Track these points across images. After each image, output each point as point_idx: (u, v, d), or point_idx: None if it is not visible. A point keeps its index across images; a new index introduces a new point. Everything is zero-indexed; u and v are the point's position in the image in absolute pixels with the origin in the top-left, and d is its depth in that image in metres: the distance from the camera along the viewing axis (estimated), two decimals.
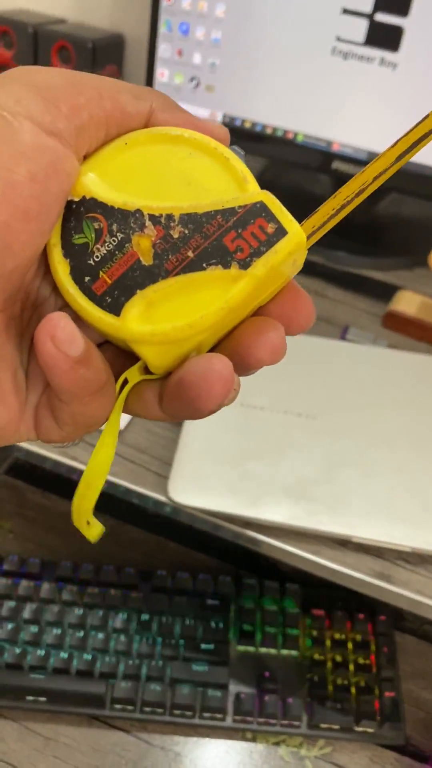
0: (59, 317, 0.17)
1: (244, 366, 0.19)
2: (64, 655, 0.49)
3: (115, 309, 0.18)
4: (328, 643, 0.52)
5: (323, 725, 0.48)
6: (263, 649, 0.52)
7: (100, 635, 0.50)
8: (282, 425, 0.49)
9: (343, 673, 0.50)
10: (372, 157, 0.60)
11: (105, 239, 0.19)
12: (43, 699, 0.48)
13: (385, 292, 0.65)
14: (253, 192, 0.18)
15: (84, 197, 0.19)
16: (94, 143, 0.18)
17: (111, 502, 0.45)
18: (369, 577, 0.43)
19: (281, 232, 0.18)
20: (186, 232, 0.18)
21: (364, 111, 0.61)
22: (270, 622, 0.53)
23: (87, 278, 0.19)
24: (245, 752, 0.48)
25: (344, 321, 0.62)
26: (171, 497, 0.44)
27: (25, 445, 0.48)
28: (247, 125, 0.64)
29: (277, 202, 0.18)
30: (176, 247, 0.18)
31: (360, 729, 0.48)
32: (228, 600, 0.54)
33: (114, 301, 0.18)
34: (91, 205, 0.19)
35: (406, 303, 0.61)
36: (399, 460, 0.47)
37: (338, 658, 0.51)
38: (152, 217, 0.19)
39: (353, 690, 0.50)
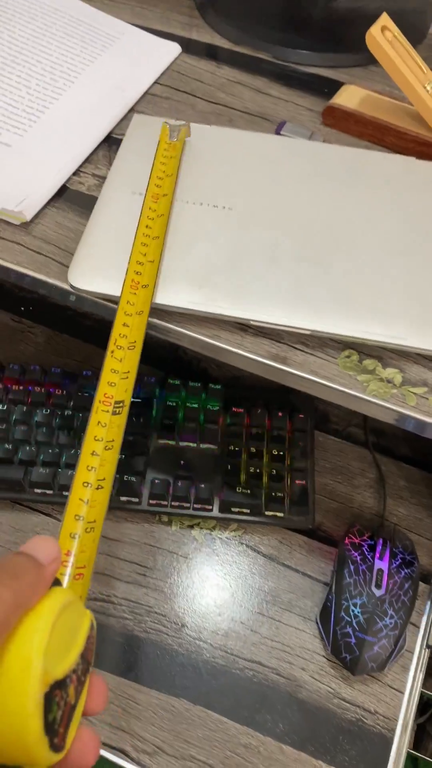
0: None
1: None
2: (7, 446, 0.51)
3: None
4: (244, 436, 0.54)
5: (234, 509, 0.50)
6: (183, 444, 0.54)
7: (23, 428, 0.52)
8: (195, 216, 0.48)
9: (257, 462, 0.52)
10: None
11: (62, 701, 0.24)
12: None
13: (333, 91, 0.61)
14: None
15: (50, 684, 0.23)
16: None
17: (47, 313, 0.45)
18: (265, 358, 0.43)
19: None
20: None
21: None
22: (190, 418, 0.54)
23: (55, 740, 0.23)
24: (160, 532, 0.51)
25: (283, 118, 0.58)
26: (71, 283, 0.44)
27: None
28: None
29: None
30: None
31: (269, 513, 0.51)
32: (152, 399, 0.55)
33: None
34: (53, 686, 0.23)
35: (348, 97, 0.57)
36: (309, 248, 0.46)
37: (253, 450, 0.53)
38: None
39: (265, 478, 0.52)
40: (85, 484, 0.34)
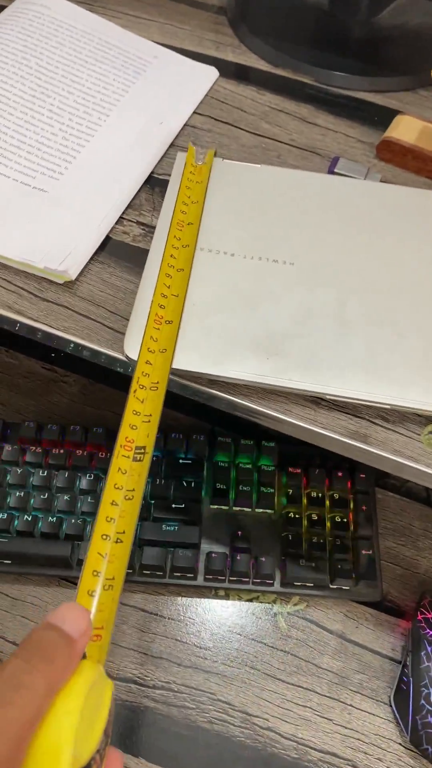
0: None
1: None
2: (28, 517, 0.47)
3: None
4: (304, 500, 0.50)
5: (297, 583, 0.47)
6: (236, 508, 0.50)
7: (66, 497, 0.48)
8: (254, 273, 0.44)
9: (319, 531, 0.49)
10: None
11: None
12: (7, 562, 0.47)
13: (384, 119, 0.57)
14: None
15: None
16: None
17: (81, 361, 0.42)
18: (343, 436, 0.40)
19: None
20: None
21: None
22: (244, 480, 0.51)
23: None
24: (217, 608, 0.48)
25: (334, 152, 0.54)
26: (128, 355, 0.40)
27: None
28: None
29: None
30: None
31: (335, 586, 0.47)
32: (201, 459, 0.52)
33: None
34: None
35: (405, 129, 0.53)
36: (382, 310, 0.42)
37: (314, 516, 0.49)
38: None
39: (328, 547, 0.48)
40: (104, 537, 0.31)
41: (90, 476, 0.50)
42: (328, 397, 0.40)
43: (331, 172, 0.52)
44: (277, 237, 0.46)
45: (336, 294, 0.43)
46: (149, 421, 0.36)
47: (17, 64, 0.53)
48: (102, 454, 0.51)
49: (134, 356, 0.40)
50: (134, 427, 0.35)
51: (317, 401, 0.41)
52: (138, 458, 0.34)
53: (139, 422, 0.36)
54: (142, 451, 0.34)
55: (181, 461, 0.51)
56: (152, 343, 0.39)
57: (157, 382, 0.38)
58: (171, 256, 0.43)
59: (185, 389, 0.41)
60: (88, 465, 0.50)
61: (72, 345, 0.43)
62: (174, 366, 0.40)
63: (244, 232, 0.46)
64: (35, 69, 0.54)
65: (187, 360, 0.40)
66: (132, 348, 0.40)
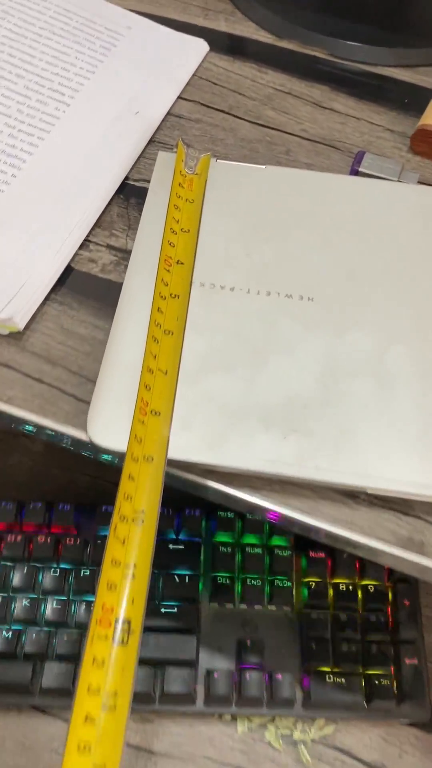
0: None
1: None
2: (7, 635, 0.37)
3: None
4: (330, 594, 0.40)
5: (323, 706, 0.37)
6: (243, 606, 0.40)
7: (25, 602, 0.38)
8: (261, 314, 0.34)
9: (350, 636, 0.38)
10: None
11: None
12: None
13: (417, 101, 0.46)
14: None
15: None
16: None
17: None
18: (391, 545, 0.29)
19: None
20: None
21: None
22: (252, 568, 0.40)
23: None
24: (221, 737, 0.38)
25: (357, 145, 0.43)
26: (92, 439, 0.29)
27: None
28: None
29: None
30: None
31: (372, 708, 0.37)
32: (197, 541, 0.41)
33: None
34: None
35: None
36: None
37: (343, 617, 0.39)
38: None
39: (363, 658, 0.38)
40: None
41: (55, 571, 0.39)
42: (368, 490, 0.29)
43: (354, 171, 0.41)
44: (290, 263, 0.35)
45: (373, 341, 0.33)
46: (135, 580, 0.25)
47: None
48: (70, 541, 0.40)
49: (102, 443, 0.29)
50: (112, 588, 0.25)
51: (353, 495, 0.30)
52: (123, 640, 0.24)
53: (121, 579, 0.26)
54: (128, 628, 0.24)
55: (171, 547, 0.40)
56: (137, 448, 0.28)
57: (143, 511, 0.27)
58: (158, 309, 0.32)
59: (175, 480, 0.31)
60: (53, 555, 0.40)
61: (19, 421, 0.32)
62: None
63: (247, 258, 0.35)
64: None
65: (173, 444, 0.29)
66: (98, 432, 0.29)
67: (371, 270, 0.36)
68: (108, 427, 0.30)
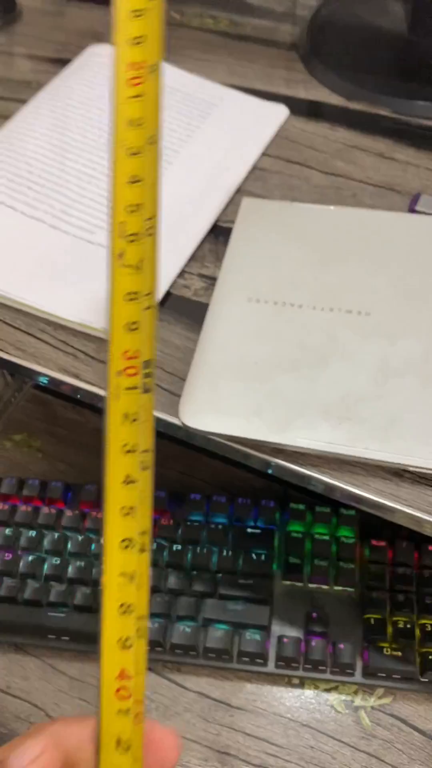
0: None
1: None
2: (87, 591, 0.44)
3: None
4: (389, 578, 0.45)
5: (381, 674, 0.41)
6: (312, 585, 0.45)
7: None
8: (325, 327, 0.40)
9: (407, 614, 0.43)
10: None
11: None
12: (66, 638, 0.44)
13: None
14: None
15: None
16: None
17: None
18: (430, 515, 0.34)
19: None
20: None
21: None
22: (321, 553, 0.46)
23: None
24: (290, 699, 0.43)
25: (415, 188, 0.50)
26: (183, 422, 0.37)
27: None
28: None
29: None
30: None
31: (425, 679, 0.41)
32: (272, 528, 0.47)
33: None
34: None
35: None
36: None
37: (401, 598, 0.44)
38: None
39: (418, 633, 0.43)
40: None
41: (153, 546, 0.46)
42: (411, 468, 0.35)
43: (411, 210, 0.48)
44: (351, 285, 0.42)
45: (421, 347, 0.38)
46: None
47: (80, 116, 0.52)
48: (164, 521, 0.47)
49: (192, 425, 0.36)
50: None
51: (400, 474, 0.36)
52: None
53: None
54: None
55: (249, 531, 0.46)
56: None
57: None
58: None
59: (248, 459, 0.37)
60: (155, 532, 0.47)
61: None
62: (235, 433, 0.36)
63: (315, 280, 0.42)
64: (97, 120, 0.52)
65: (248, 427, 0.36)
66: (190, 416, 0.37)
67: (421, 291, 0.41)
68: (196, 414, 0.37)
